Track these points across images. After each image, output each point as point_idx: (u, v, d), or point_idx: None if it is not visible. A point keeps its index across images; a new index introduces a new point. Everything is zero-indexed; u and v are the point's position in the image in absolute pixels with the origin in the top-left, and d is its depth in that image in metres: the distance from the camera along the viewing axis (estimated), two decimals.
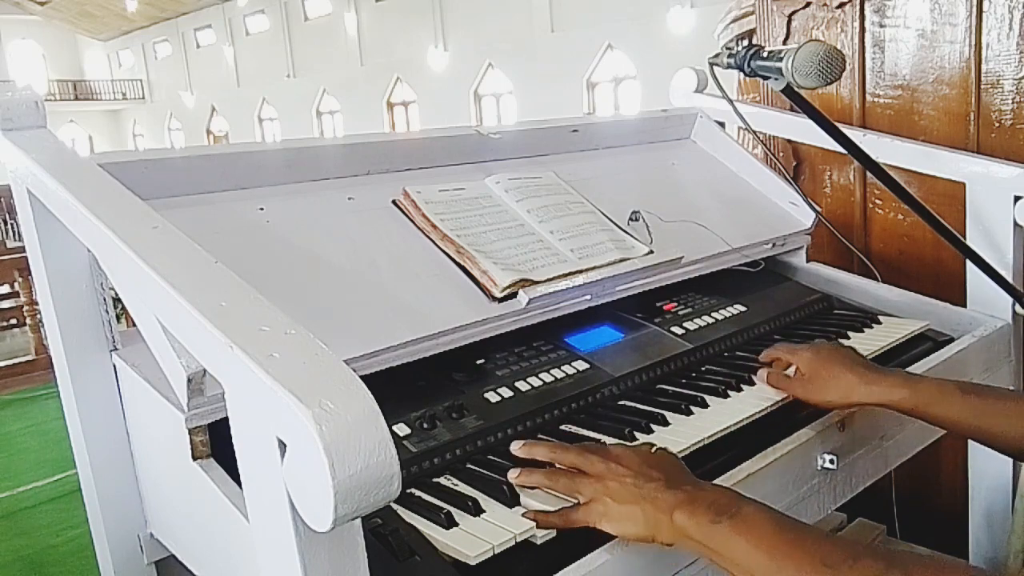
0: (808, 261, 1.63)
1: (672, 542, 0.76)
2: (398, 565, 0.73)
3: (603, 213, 1.32)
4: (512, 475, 0.84)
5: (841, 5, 1.78)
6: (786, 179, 1.64)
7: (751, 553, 0.71)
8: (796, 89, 1.22)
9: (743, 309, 1.37)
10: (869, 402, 1.01)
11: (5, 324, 6.95)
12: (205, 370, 0.76)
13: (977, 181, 1.46)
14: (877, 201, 1.82)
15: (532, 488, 0.84)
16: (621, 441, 0.96)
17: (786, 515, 0.76)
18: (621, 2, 15.22)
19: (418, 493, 0.85)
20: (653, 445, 0.87)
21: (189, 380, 0.78)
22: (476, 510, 0.81)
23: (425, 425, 0.94)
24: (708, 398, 1.07)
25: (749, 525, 0.72)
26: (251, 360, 0.59)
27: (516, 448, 0.88)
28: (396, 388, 0.98)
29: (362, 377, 0.58)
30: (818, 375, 1.04)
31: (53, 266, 0.93)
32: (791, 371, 1.10)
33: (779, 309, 1.41)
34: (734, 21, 2.14)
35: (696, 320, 1.30)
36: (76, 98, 29.72)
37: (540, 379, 1.07)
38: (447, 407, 0.98)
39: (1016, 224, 1.41)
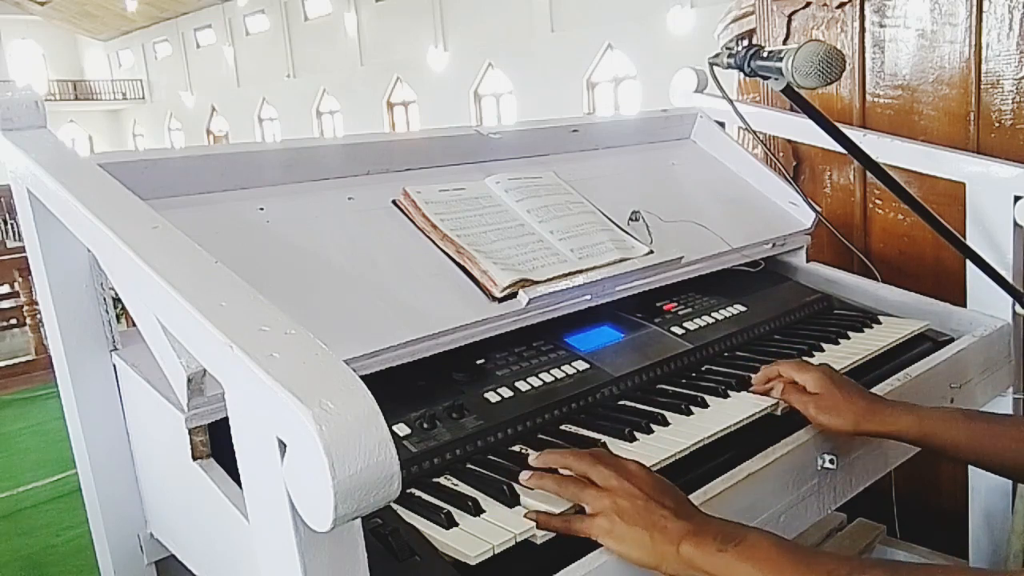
0: (808, 261, 1.63)
1: (676, 573, 0.75)
2: (398, 565, 0.73)
3: (603, 213, 1.32)
4: (523, 476, 0.84)
5: (841, 5, 1.78)
6: (786, 179, 1.64)
7: None
8: (796, 89, 1.22)
9: (743, 309, 1.37)
10: (879, 431, 1.00)
11: (5, 324, 6.94)
12: (205, 370, 0.76)
13: (977, 181, 1.46)
14: (877, 201, 1.82)
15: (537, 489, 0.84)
16: (621, 441, 0.96)
17: (791, 540, 0.76)
18: (621, 2, 15.22)
19: (418, 493, 0.85)
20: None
21: (189, 380, 0.78)
22: (476, 510, 0.81)
23: (425, 425, 0.94)
24: (708, 398, 1.07)
25: (754, 551, 0.73)
26: (251, 360, 0.59)
27: (532, 460, 0.87)
28: (396, 388, 0.98)
29: (362, 377, 0.58)
30: (831, 396, 1.01)
31: (53, 266, 0.93)
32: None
33: (779, 309, 1.41)
34: (734, 21, 2.14)
35: (696, 320, 1.30)
36: (76, 98, 29.71)
37: (540, 379, 1.07)
38: (447, 407, 0.98)
39: (1016, 224, 1.41)
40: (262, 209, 1.06)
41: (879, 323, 1.40)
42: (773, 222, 1.57)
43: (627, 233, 1.30)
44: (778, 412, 1.05)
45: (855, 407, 1.00)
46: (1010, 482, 1.44)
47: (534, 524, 0.79)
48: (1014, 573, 0.71)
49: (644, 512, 0.77)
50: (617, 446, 0.95)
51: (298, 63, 23.04)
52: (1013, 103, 1.58)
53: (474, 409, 0.99)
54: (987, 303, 1.42)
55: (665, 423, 1.01)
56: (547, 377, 1.08)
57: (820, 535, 1.69)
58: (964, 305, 1.46)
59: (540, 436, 0.99)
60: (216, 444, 0.83)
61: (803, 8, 1.85)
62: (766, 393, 1.08)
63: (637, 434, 0.98)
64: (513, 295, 1.09)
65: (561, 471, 0.84)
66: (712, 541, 0.74)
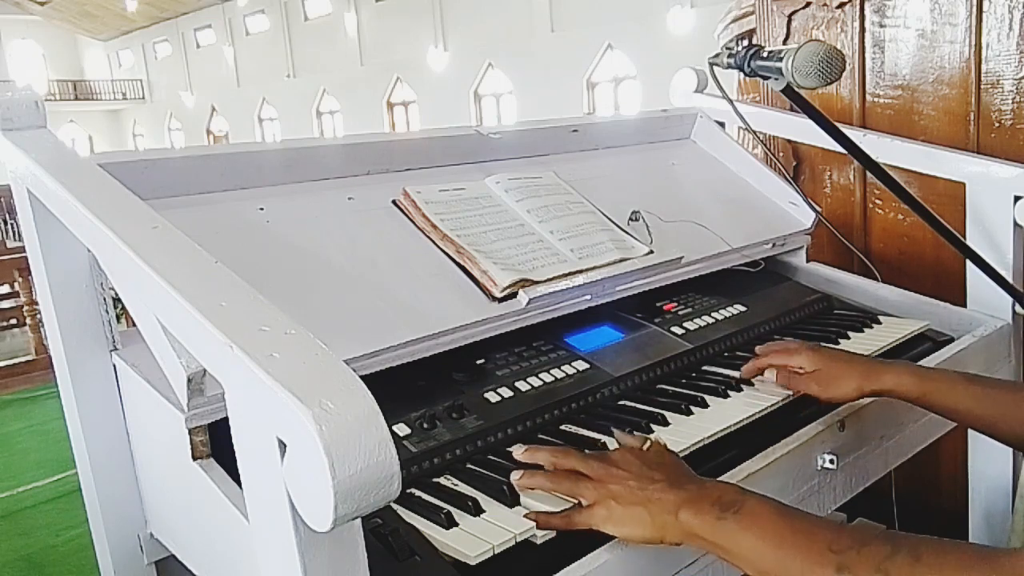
0: (808, 261, 1.63)
1: (679, 541, 0.76)
2: (398, 565, 0.73)
3: (603, 213, 1.32)
4: (514, 477, 0.84)
5: (841, 5, 1.78)
6: (786, 179, 1.64)
7: (758, 546, 0.72)
8: (796, 89, 1.22)
9: (743, 309, 1.37)
10: (880, 390, 1.01)
11: (5, 324, 6.95)
12: (205, 370, 0.76)
13: (977, 181, 1.46)
14: (877, 201, 1.82)
15: (533, 489, 0.84)
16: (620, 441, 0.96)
17: (790, 506, 0.76)
18: (621, 2, 15.22)
19: (418, 493, 0.85)
20: (647, 439, 0.87)
21: (189, 380, 0.78)
22: (476, 510, 0.81)
23: (425, 425, 0.94)
24: (708, 398, 1.07)
25: (754, 518, 0.73)
26: (251, 360, 0.59)
27: (517, 453, 0.88)
28: (396, 388, 0.98)
29: (362, 377, 0.58)
30: (827, 370, 1.04)
31: (53, 266, 0.93)
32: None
33: (779, 309, 1.41)
34: (734, 21, 2.14)
35: (696, 320, 1.30)
36: (76, 98, 29.71)
37: (540, 379, 1.07)
38: (447, 407, 0.98)
39: (1016, 224, 1.41)
40: (262, 209, 1.06)
41: (879, 323, 1.40)
42: (773, 222, 1.57)
43: (627, 233, 1.30)
44: (789, 398, 1.06)
45: (855, 371, 1.02)
46: (1010, 482, 1.44)
47: (534, 524, 0.79)
48: (1015, 551, 0.71)
49: (637, 490, 0.77)
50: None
51: (298, 63, 23.03)
52: (1013, 103, 1.58)
53: (474, 409, 0.99)
54: (987, 303, 1.42)
55: (665, 423, 1.01)
56: (547, 377, 1.08)
57: None
58: (964, 305, 1.46)
59: (540, 436, 0.99)
60: (216, 444, 0.83)
61: (803, 8, 1.85)
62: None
63: (637, 434, 0.97)
64: (513, 295, 1.09)
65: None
66: (711, 508, 0.74)
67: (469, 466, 0.92)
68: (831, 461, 1.02)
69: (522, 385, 1.05)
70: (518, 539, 0.77)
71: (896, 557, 0.67)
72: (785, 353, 1.09)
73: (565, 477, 0.82)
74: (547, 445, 0.92)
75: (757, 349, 1.14)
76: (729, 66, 1.32)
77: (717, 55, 1.34)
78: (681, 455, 0.93)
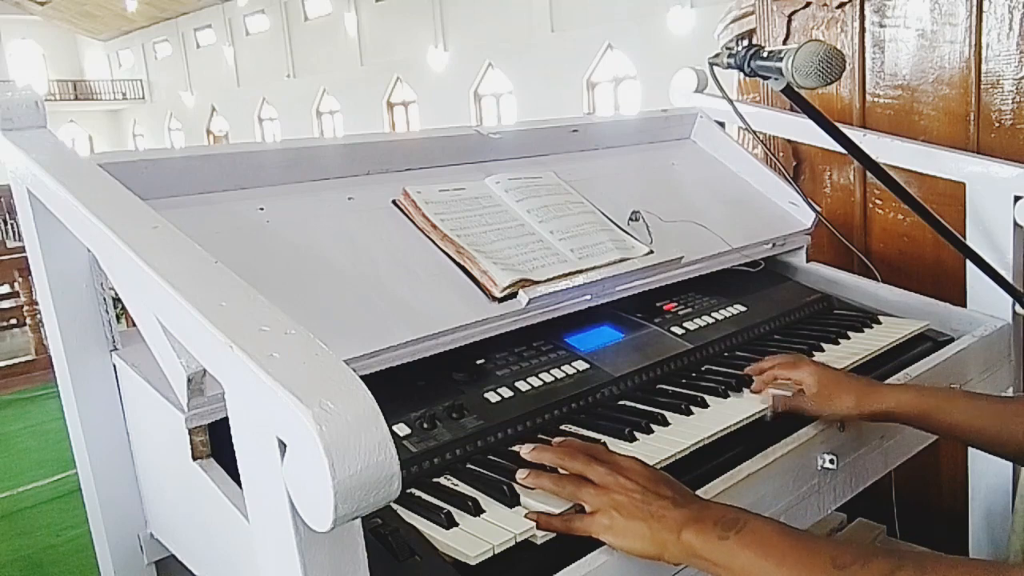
0: (808, 261, 1.63)
1: (679, 562, 0.75)
2: (398, 565, 0.73)
3: (603, 213, 1.32)
4: (520, 475, 0.84)
5: (841, 5, 1.78)
6: (786, 179, 1.64)
7: (761, 564, 0.71)
8: (796, 89, 1.22)
9: (743, 309, 1.37)
10: (879, 410, 1.01)
11: (5, 324, 6.95)
12: (205, 370, 0.76)
13: (977, 181, 1.46)
14: (877, 201, 1.82)
15: (535, 489, 0.84)
16: (621, 441, 0.96)
17: (792, 527, 0.76)
18: (621, 2, 15.21)
19: (418, 493, 0.86)
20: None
21: (189, 380, 0.78)
22: (476, 510, 0.81)
23: (425, 425, 0.94)
24: (708, 398, 1.07)
25: (756, 537, 0.72)
26: (251, 360, 0.59)
27: (524, 452, 0.87)
28: (396, 388, 0.98)
29: (362, 377, 0.58)
30: (826, 387, 1.03)
31: (53, 266, 0.93)
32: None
33: (779, 309, 1.41)
34: (734, 21, 2.14)
35: (696, 320, 1.30)
36: (76, 98, 29.70)
37: (540, 379, 1.07)
38: (447, 407, 0.98)
39: (1016, 224, 1.41)
40: (262, 209, 1.06)
41: (879, 323, 1.40)
42: (773, 222, 1.58)
43: (627, 233, 1.30)
44: (768, 418, 1.05)
45: (853, 390, 1.02)
46: (1010, 482, 1.44)
47: (534, 524, 0.79)
48: (1017, 566, 0.71)
49: (642, 504, 0.77)
50: (617, 446, 0.95)
51: (298, 63, 23.03)
52: (1013, 103, 1.58)
53: (474, 409, 0.99)
54: (987, 303, 1.42)
55: (665, 423, 1.01)
56: (547, 377, 1.08)
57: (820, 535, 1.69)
58: (964, 305, 1.46)
59: (540, 436, 0.99)
60: (216, 444, 0.83)
61: (803, 8, 1.85)
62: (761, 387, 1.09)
63: (637, 434, 0.98)
64: (513, 295, 1.09)
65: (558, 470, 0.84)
66: (713, 528, 0.74)
67: (469, 466, 0.92)
68: (831, 461, 1.02)
69: (522, 385, 1.05)
70: (518, 539, 0.77)
71: (901, 571, 0.66)
72: (789, 366, 1.08)
73: (570, 481, 0.82)
74: (562, 438, 0.92)
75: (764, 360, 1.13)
76: (729, 66, 1.32)
77: (717, 55, 1.34)
78: (681, 455, 0.94)
